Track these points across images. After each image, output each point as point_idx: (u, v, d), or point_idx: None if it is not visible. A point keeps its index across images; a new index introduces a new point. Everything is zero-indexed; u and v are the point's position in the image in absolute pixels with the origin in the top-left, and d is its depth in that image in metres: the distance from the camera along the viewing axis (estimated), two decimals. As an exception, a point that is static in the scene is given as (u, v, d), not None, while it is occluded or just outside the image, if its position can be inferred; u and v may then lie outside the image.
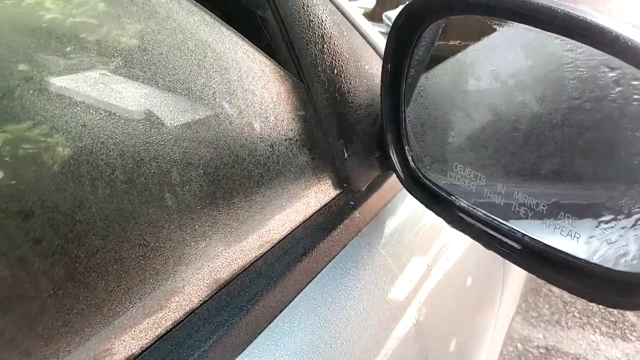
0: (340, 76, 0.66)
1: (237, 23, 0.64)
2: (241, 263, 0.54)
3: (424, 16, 0.56)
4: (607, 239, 0.46)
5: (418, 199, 0.63)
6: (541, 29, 0.47)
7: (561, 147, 0.50)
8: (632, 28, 0.39)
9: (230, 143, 0.53)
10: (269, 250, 0.57)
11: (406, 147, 0.63)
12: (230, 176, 0.53)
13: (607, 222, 0.46)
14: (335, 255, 0.63)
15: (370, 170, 0.73)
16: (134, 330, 0.44)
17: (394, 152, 0.63)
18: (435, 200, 0.61)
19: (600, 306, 2.43)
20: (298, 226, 0.62)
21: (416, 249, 0.74)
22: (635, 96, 0.42)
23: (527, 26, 0.51)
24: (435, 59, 0.67)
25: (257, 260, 0.55)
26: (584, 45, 0.43)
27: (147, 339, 0.45)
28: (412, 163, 0.63)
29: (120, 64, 0.47)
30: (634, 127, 0.43)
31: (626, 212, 0.45)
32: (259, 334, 0.51)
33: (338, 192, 0.70)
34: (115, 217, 0.42)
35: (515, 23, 0.52)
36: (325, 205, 0.67)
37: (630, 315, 2.44)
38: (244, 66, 0.56)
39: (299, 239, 0.60)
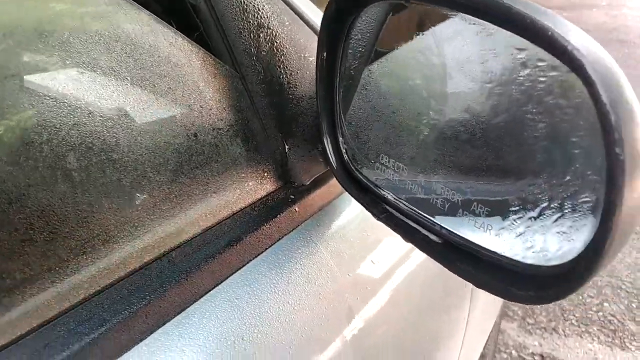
0: (280, 67, 0.65)
1: (169, 12, 0.64)
2: (155, 252, 0.53)
3: (354, 4, 0.55)
4: (516, 231, 0.44)
5: (348, 192, 0.61)
6: (457, 10, 0.45)
7: (473, 138, 0.48)
8: (533, 4, 0.37)
9: (149, 132, 0.52)
10: (186, 241, 0.55)
11: (340, 139, 0.61)
12: (147, 164, 0.52)
13: (515, 212, 0.44)
14: (267, 249, 0.61)
15: (314, 164, 0.71)
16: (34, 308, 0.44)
17: (328, 144, 0.61)
18: (365, 193, 0.59)
19: (600, 314, 2.38)
20: (226, 218, 0.60)
21: (362, 247, 0.72)
22: (541, 78, 0.40)
23: (452, 12, 0.50)
24: (380, 53, 0.66)
25: (172, 250, 0.54)
26: (495, 26, 0.41)
27: (37, 320, 0.44)
28: (345, 155, 0.61)
29: (39, 52, 0.46)
30: (539, 111, 0.41)
31: (532, 202, 0.43)
32: (164, 323, 0.49)
33: (278, 185, 0.68)
34: (25, 202, 0.42)
35: (446, 11, 0.51)
36: (261, 198, 0.65)
37: (630, 324, 2.38)
38: (164, 53, 0.55)
39: (225, 231, 0.59)
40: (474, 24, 0.46)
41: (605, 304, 2.50)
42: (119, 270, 0.50)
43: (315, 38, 0.71)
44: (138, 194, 0.51)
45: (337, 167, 0.61)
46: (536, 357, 2.26)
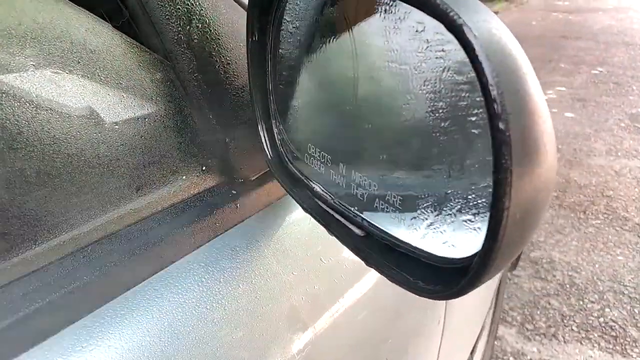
0: (215, 55, 0.62)
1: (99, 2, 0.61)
2: (68, 248, 0.50)
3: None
4: (426, 221, 0.41)
5: (280, 183, 0.58)
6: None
7: (383, 125, 0.45)
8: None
9: (59, 122, 0.49)
10: (106, 237, 0.52)
11: (275, 130, 0.58)
12: (57, 156, 0.49)
13: (424, 201, 0.41)
14: (199, 247, 0.58)
15: (257, 159, 0.68)
16: None
17: (264, 133, 0.58)
18: (296, 184, 0.56)
19: (601, 320, 2.32)
20: (155, 213, 0.57)
21: (310, 245, 0.68)
22: (439, 53, 0.36)
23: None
24: (319, 39, 0.63)
25: (89, 245, 0.51)
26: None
27: None
28: (280, 147, 0.58)
29: None
30: (438, 90, 0.38)
31: (438, 190, 0.39)
32: (72, 322, 0.46)
33: (219, 181, 0.65)
34: None
35: None
36: (198, 193, 0.62)
37: (632, 330, 2.31)
38: (78, 39, 0.52)
39: (153, 227, 0.56)
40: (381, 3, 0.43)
41: (607, 310, 2.44)
42: (25, 265, 0.47)
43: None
44: (48, 187, 0.48)
45: (272, 158, 0.58)
46: (535, 365, 2.20)
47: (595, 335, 2.30)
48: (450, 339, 1.14)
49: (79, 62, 0.52)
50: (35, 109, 0.48)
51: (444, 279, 0.38)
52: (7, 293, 0.45)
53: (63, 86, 0.50)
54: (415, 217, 0.42)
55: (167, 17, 0.58)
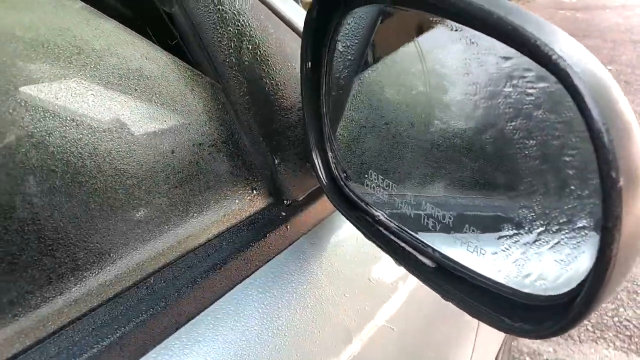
0: (264, 77, 0.61)
1: (142, 21, 0.60)
2: (131, 279, 0.49)
3: (335, 8, 0.51)
4: (511, 256, 0.40)
5: (339, 209, 0.57)
6: (439, 16, 0.41)
7: (461, 153, 0.44)
8: (518, 8, 0.33)
9: (120, 152, 0.49)
10: (166, 266, 0.52)
11: (330, 154, 0.57)
12: (118, 186, 0.48)
13: (509, 237, 0.40)
14: (255, 271, 0.58)
15: (306, 179, 0.67)
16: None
17: (317, 158, 0.58)
18: (354, 209, 0.55)
19: (615, 319, 2.32)
20: (210, 239, 0.57)
21: (359, 265, 0.68)
22: (529, 90, 0.36)
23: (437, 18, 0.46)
24: (371, 61, 0.62)
25: (150, 275, 0.50)
26: (479, 33, 0.37)
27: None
28: (335, 170, 0.57)
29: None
30: (527, 127, 0.37)
31: (527, 225, 0.39)
32: (142, 356, 0.46)
33: (268, 203, 0.65)
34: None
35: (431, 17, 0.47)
36: (250, 216, 0.62)
37: (647, 329, 2.31)
38: (135, 65, 0.52)
39: (210, 253, 0.55)
40: (457, 30, 0.42)
41: (621, 309, 2.44)
42: (90, 300, 0.46)
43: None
44: (109, 219, 0.48)
45: (327, 183, 0.58)
46: (550, 365, 2.20)
47: (610, 334, 2.30)
48: (481, 345, 1.13)
49: (136, 90, 0.51)
50: (94, 139, 0.47)
51: (533, 316, 0.38)
52: (77, 329, 0.45)
53: (122, 115, 0.50)
54: (498, 252, 0.41)
55: (218, 39, 0.58)
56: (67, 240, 0.45)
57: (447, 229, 0.45)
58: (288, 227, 0.63)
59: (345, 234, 0.69)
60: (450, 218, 0.44)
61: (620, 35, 6.92)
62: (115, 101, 0.50)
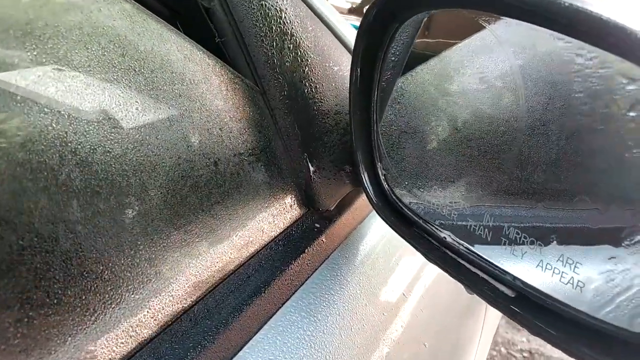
0: (304, 79, 0.56)
1: (181, 18, 0.54)
2: (174, 309, 0.44)
3: (398, 11, 0.47)
4: (618, 289, 0.37)
5: (390, 225, 0.53)
6: (540, 25, 0.37)
7: (561, 168, 0.40)
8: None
9: (163, 166, 0.43)
10: (208, 292, 0.47)
11: (378, 164, 0.53)
12: (161, 206, 0.43)
13: (618, 270, 0.37)
14: (295, 291, 0.53)
15: (340, 186, 0.63)
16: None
17: (364, 169, 0.53)
18: (410, 227, 0.51)
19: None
20: (250, 258, 0.52)
21: (392, 278, 0.64)
22: None
23: (521, 22, 0.41)
24: (415, 60, 0.58)
25: (193, 305, 0.45)
26: (596, 48, 0.34)
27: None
28: (384, 182, 0.53)
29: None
30: None
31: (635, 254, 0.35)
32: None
33: (301, 213, 0.60)
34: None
35: (508, 19, 0.43)
36: (285, 230, 0.57)
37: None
38: (178, 68, 0.46)
39: (250, 274, 0.51)
40: (561, 40, 0.38)
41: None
42: (132, 339, 0.41)
43: (338, 44, 0.62)
44: (150, 241, 0.42)
45: (376, 197, 0.53)
46: (524, 354, 2.25)
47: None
48: (484, 337, 1.13)
49: (180, 96, 0.46)
50: (137, 154, 0.41)
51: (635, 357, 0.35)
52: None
53: (165, 124, 0.44)
54: (601, 286, 0.38)
55: (260, 39, 0.52)
56: (105, 271, 0.39)
57: (535, 255, 0.41)
58: (324, 239, 0.59)
59: (374, 242, 0.65)
60: (540, 245, 0.41)
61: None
62: (160, 110, 0.44)
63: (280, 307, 0.51)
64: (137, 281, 0.41)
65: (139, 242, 0.41)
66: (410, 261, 0.70)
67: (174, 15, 0.55)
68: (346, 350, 0.53)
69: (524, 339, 2.28)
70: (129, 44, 0.42)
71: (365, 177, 0.53)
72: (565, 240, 0.41)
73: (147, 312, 0.42)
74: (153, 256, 0.42)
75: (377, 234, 0.67)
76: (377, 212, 0.54)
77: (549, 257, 0.41)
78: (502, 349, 2.23)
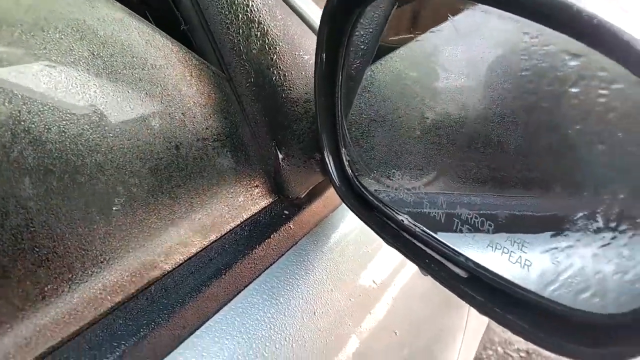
0: (271, 67, 0.57)
1: (145, 4, 0.55)
2: (130, 289, 0.45)
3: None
4: (562, 268, 0.37)
5: (353, 210, 0.53)
6: (489, 5, 0.38)
7: (510, 151, 0.41)
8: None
9: (121, 147, 0.44)
10: (167, 273, 0.48)
11: (342, 150, 0.54)
12: (119, 185, 0.44)
13: (564, 245, 0.37)
14: (260, 275, 0.54)
15: (310, 174, 0.63)
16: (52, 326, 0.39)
17: (328, 153, 0.54)
18: (371, 211, 0.52)
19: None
20: (213, 242, 0.53)
21: (362, 266, 0.65)
22: (602, 91, 0.33)
23: (488, 8, 0.42)
24: (385, 49, 0.58)
25: (150, 285, 0.46)
26: (541, 25, 0.34)
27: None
28: (348, 168, 0.54)
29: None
30: (596, 131, 0.34)
31: (584, 233, 0.36)
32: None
33: (271, 200, 0.61)
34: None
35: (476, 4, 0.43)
36: (253, 215, 0.58)
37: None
38: (139, 52, 0.47)
39: (213, 257, 0.51)
40: (505, 18, 0.39)
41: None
42: (84, 316, 0.42)
43: (310, 34, 0.63)
44: (109, 222, 0.43)
45: (340, 183, 0.54)
46: (522, 354, 2.24)
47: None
48: (469, 334, 1.13)
49: (140, 80, 0.46)
50: (94, 135, 0.42)
51: (593, 338, 0.35)
52: (71, 349, 0.40)
53: (126, 108, 0.45)
54: (547, 264, 0.38)
55: (226, 26, 0.53)
56: (58, 246, 0.40)
57: (485, 236, 0.42)
58: (291, 226, 0.59)
59: (345, 231, 0.66)
60: (490, 225, 0.41)
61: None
62: (119, 93, 0.45)
63: (242, 290, 0.52)
64: (92, 258, 0.42)
65: (94, 220, 0.42)
66: (385, 252, 0.70)
67: (142, 5, 0.56)
68: (308, 333, 0.54)
69: (521, 339, 2.27)
70: (88, 28, 0.43)
71: (330, 162, 0.54)
72: (514, 222, 0.41)
73: (102, 289, 0.43)
74: (108, 234, 0.43)
75: (350, 223, 0.67)
76: (339, 195, 0.55)
77: (498, 238, 0.41)
78: (499, 349, 2.23)
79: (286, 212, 0.60)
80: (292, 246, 0.59)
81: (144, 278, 0.46)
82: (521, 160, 0.41)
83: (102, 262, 0.43)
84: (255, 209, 0.58)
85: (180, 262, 0.49)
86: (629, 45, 0.27)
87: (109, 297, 0.43)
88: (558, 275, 0.38)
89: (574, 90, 0.34)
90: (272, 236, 0.56)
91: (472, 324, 1.13)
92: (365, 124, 0.58)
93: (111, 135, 0.43)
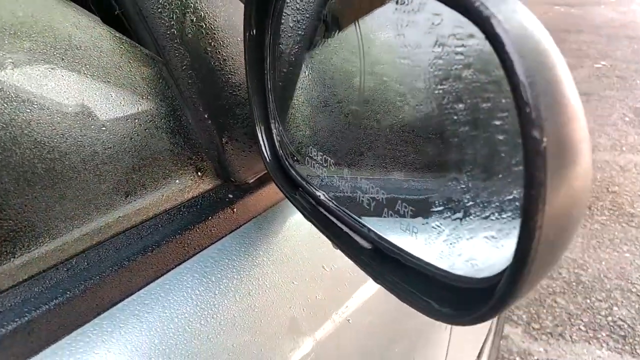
0: (210, 51, 0.58)
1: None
2: (50, 261, 0.46)
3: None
4: (443, 234, 0.37)
5: (278, 186, 0.54)
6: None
7: (393, 126, 0.41)
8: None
9: (42, 118, 0.46)
10: (91, 247, 0.49)
11: (274, 130, 0.54)
12: (39, 159, 0.45)
13: (440, 213, 0.37)
14: (193, 255, 0.54)
15: (258, 159, 0.64)
16: None
17: (262, 135, 0.54)
18: (296, 189, 0.52)
19: (609, 319, 2.28)
20: (146, 220, 0.54)
21: (311, 252, 0.65)
22: (459, 49, 0.32)
23: None
24: (322, 34, 0.59)
25: (72, 257, 0.47)
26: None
27: None
28: (279, 148, 0.54)
29: None
30: (456, 90, 0.34)
31: (456, 201, 0.35)
32: (54, 342, 0.43)
33: (214, 184, 0.61)
34: None
35: None
36: (192, 198, 0.58)
37: (640, 328, 2.27)
38: (62, 35, 0.48)
39: (143, 235, 0.52)
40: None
41: (615, 308, 2.40)
42: (2, 281, 0.43)
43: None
44: (25, 194, 0.44)
45: (270, 161, 0.54)
46: (541, 364, 2.17)
47: (604, 334, 2.26)
48: (457, 342, 1.10)
49: (62, 59, 0.48)
50: (12, 108, 0.44)
51: (462, 301, 0.35)
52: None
53: (44, 84, 0.47)
54: (429, 230, 0.38)
55: (159, 10, 0.54)
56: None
57: (380, 207, 0.42)
58: (234, 209, 0.60)
59: (299, 219, 0.65)
60: (383, 195, 0.41)
61: (615, 30, 6.87)
62: (38, 70, 0.46)
63: (172, 268, 0.52)
64: (8, 230, 0.43)
65: (10, 192, 0.43)
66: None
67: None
68: (239, 312, 0.54)
69: (542, 349, 2.20)
70: (4, 9, 0.45)
71: (261, 139, 0.54)
72: (408, 199, 0.41)
73: (21, 262, 0.44)
74: (25, 206, 0.44)
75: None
76: (268, 170, 0.55)
77: (392, 207, 0.41)
78: (518, 359, 2.16)
79: (230, 196, 0.61)
80: (234, 229, 0.59)
81: (66, 252, 0.47)
82: (403, 137, 0.41)
83: (19, 233, 0.44)
84: (196, 192, 0.59)
85: (107, 238, 0.50)
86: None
87: (26, 268, 0.45)
88: (438, 240, 0.37)
89: (436, 50, 0.34)
90: (210, 218, 0.57)
91: (460, 328, 1.10)
92: (307, 110, 0.59)
93: (27, 110, 0.44)
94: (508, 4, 0.26)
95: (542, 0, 8.28)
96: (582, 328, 2.30)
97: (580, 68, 5.73)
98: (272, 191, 0.65)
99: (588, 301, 2.45)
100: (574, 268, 2.69)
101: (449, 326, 1.01)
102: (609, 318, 2.35)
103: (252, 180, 0.64)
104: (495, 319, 1.79)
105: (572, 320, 2.35)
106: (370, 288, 0.71)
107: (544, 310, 2.40)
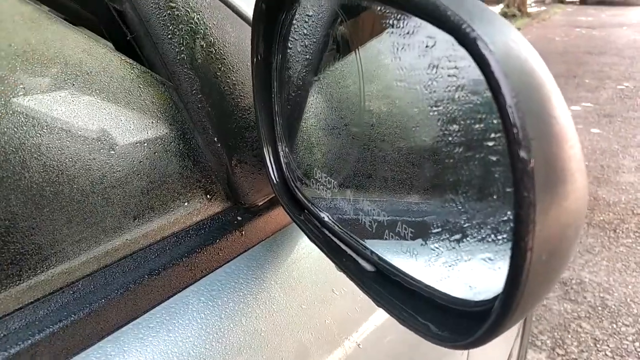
0: (220, 75, 0.59)
1: (97, 19, 0.59)
2: (54, 285, 0.46)
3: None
4: (442, 256, 0.36)
5: (285, 209, 0.54)
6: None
7: (392, 148, 0.41)
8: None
9: (52, 142, 0.47)
10: (96, 271, 0.49)
11: (281, 152, 0.54)
12: (48, 182, 0.46)
13: (438, 235, 0.36)
14: (200, 279, 0.54)
15: (267, 182, 0.64)
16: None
17: (268, 155, 0.55)
18: (302, 211, 0.52)
19: (636, 344, 2.21)
20: (153, 243, 0.54)
21: (320, 275, 0.64)
22: (452, 70, 0.32)
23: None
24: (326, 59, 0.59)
25: (78, 281, 0.48)
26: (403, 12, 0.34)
27: None
28: (286, 170, 0.54)
29: None
30: (450, 111, 0.33)
31: (453, 223, 0.35)
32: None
33: (224, 207, 0.62)
34: None
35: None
36: (201, 221, 0.59)
37: (670, 356, 2.20)
38: (73, 60, 0.49)
39: (149, 258, 0.52)
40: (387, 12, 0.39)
41: (643, 334, 2.33)
42: (7, 303, 0.43)
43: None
44: (34, 217, 0.45)
45: (277, 183, 0.55)
46: (566, 392, 2.11)
47: (631, 361, 2.19)
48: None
49: (73, 84, 0.49)
50: (23, 132, 0.45)
51: (459, 324, 0.34)
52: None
53: (55, 109, 0.48)
54: (428, 252, 0.37)
55: (169, 36, 0.55)
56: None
57: (382, 228, 0.41)
58: (243, 232, 0.60)
59: (309, 242, 0.65)
60: (385, 217, 0.41)
61: (638, 52, 6.79)
62: (48, 96, 0.47)
63: (178, 291, 0.52)
64: (14, 253, 0.44)
65: (18, 215, 0.44)
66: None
67: (97, 19, 0.59)
68: (245, 335, 0.53)
69: None
70: (17, 36, 0.46)
71: (268, 161, 0.55)
72: (409, 221, 0.41)
73: (27, 285, 0.45)
74: (33, 229, 0.45)
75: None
76: (275, 193, 0.55)
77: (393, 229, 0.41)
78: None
79: (239, 218, 0.61)
80: (242, 252, 0.59)
81: (72, 275, 0.48)
82: (401, 159, 0.41)
83: (26, 256, 0.45)
84: (205, 214, 0.59)
85: (114, 261, 0.50)
86: (445, 14, 0.27)
87: (32, 290, 0.45)
88: (438, 262, 0.37)
89: (430, 72, 0.34)
90: (217, 241, 0.57)
91: (478, 354, 1.08)
92: (315, 133, 0.59)
93: (37, 134, 0.45)
94: (495, 25, 0.26)
95: (564, 23, 8.24)
96: (609, 354, 2.24)
97: (603, 89, 5.67)
98: (281, 214, 0.65)
99: (614, 326, 2.39)
100: (599, 292, 2.62)
101: (465, 352, 0.99)
102: (637, 344, 2.28)
103: (261, 203, 0.64)
104: (517, 343, 1.75)
105: (598, 345, 2.28)
106: (382, 312, 0.70)
107: (569, 336, 2.34)
